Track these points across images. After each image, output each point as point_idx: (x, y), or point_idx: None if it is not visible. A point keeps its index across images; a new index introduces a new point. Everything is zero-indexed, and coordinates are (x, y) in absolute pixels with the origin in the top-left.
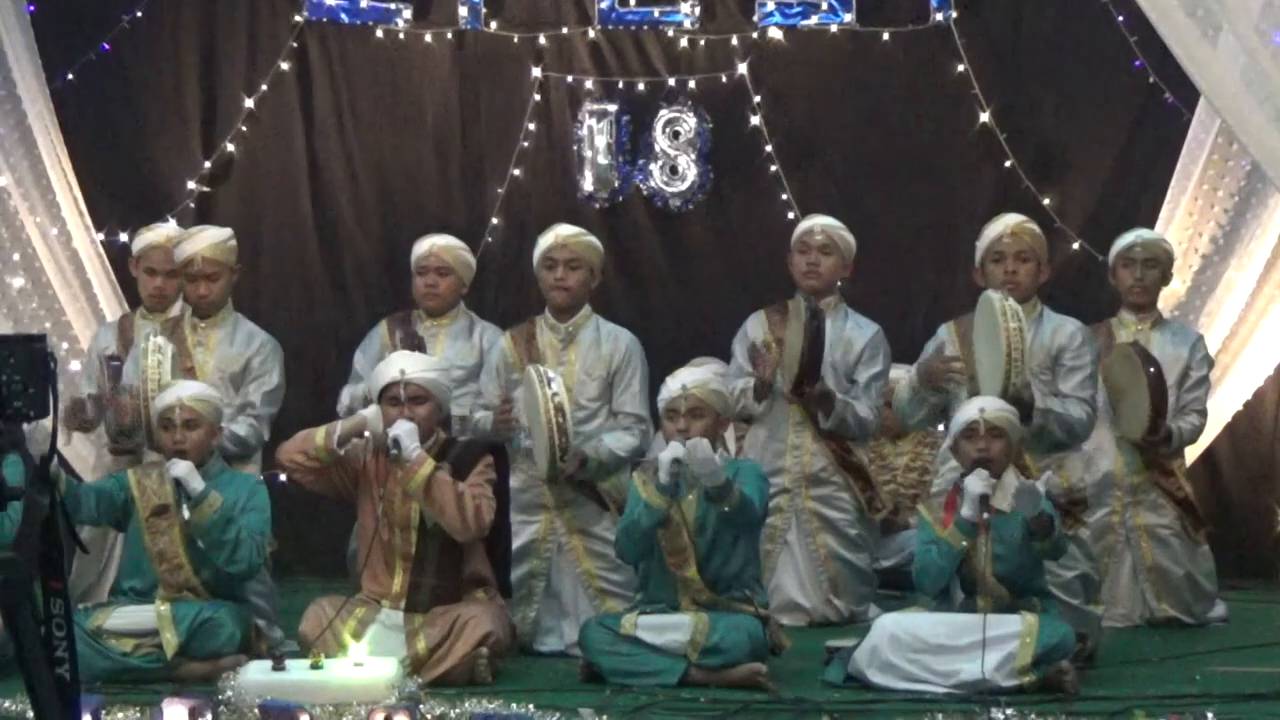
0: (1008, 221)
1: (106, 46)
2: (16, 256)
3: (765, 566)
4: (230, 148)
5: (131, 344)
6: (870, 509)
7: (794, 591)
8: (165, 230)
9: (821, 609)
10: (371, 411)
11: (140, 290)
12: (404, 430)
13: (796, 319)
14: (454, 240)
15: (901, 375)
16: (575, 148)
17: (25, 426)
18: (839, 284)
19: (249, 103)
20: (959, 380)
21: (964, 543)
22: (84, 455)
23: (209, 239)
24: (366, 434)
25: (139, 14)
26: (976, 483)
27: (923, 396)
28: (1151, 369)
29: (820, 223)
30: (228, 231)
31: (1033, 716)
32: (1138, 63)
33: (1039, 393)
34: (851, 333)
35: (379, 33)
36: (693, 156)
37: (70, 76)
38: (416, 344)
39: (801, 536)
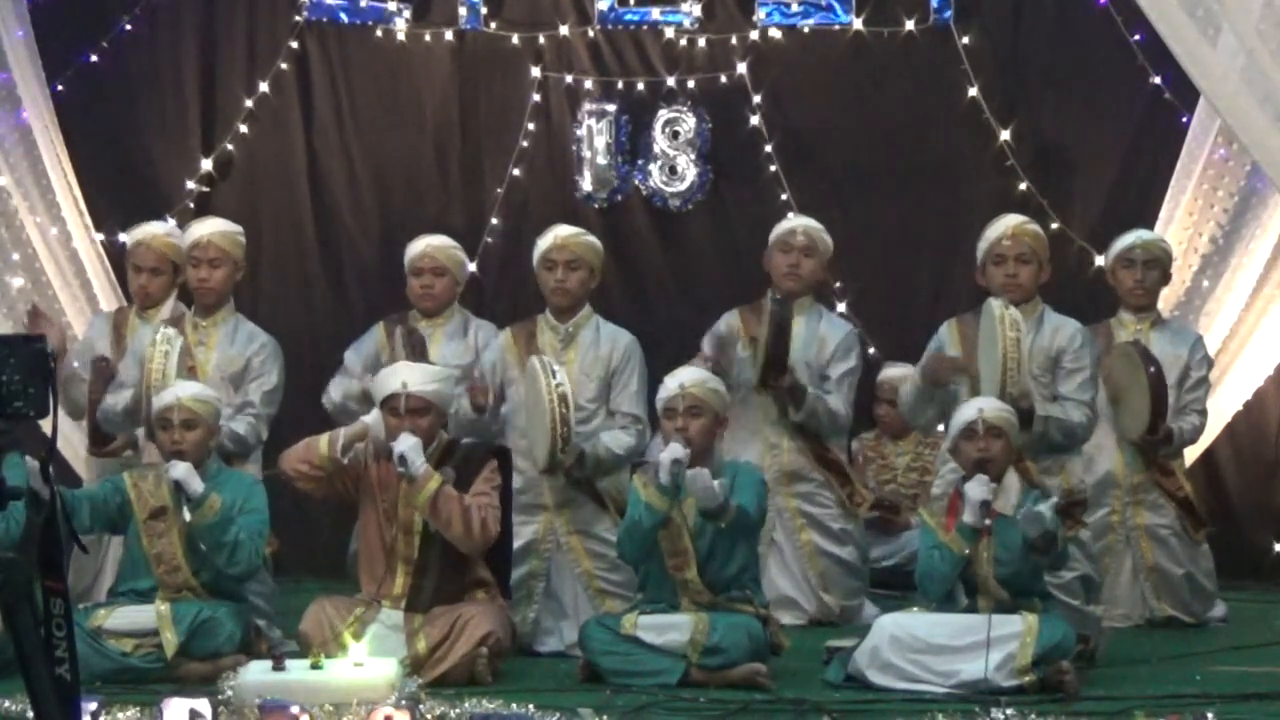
0: (1008, 223)
1: (106, 46)
2: (16, 256)
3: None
4: (230, 148)
5: (123, 339)
6: (851, 503)
7: (788, 588)
8: (153, 229)
9: (814, 605)
10: (373, 418)
11: (129, 287)
12: (408, 446)
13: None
14: (447, 240)
15: (903, 372)
16: (574, 148)
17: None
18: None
19: (249, 103)
20: (960, 378)
21: (966, 550)
22: (82, 455)
23: (219, 225)
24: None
25: (139, 14)
26: (977, 489)
27: (928, 394)
28: (1151, 368)
29: (802, 224)
30: (239, 226)
31: (1033, 716)
32: (1138, 62)
33: (1039, 398)
34: (825, 332)
35: (379, 33)
36: (692, 156)
37: (70, 76)
38: (418, 343)
39: (787, 535)
